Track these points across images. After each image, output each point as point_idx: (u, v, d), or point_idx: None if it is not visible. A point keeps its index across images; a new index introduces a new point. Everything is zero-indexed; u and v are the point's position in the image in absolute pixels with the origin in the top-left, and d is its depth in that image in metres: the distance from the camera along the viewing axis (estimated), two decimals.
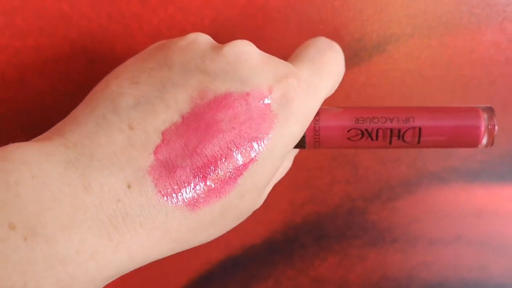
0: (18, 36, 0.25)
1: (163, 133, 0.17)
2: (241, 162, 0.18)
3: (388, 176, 0.30)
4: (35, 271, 0.14)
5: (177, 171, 0.17)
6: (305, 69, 0.21)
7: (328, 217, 0.30)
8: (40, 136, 0.18)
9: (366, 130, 0.21)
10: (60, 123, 0.19)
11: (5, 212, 0.14)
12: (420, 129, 0.21)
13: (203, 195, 0.18)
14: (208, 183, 0.18)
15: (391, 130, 0.21)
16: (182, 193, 0.17)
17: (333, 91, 0.23)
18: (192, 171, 0.18)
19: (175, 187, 0.17)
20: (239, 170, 0.18)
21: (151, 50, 0.20)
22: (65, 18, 0.25)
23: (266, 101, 0.19)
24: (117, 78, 0.19)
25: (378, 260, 0.31)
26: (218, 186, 0.18)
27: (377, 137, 0.21)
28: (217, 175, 0.18)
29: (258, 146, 0.19)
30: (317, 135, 0.22)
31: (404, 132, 0.21)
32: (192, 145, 0.18)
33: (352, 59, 0.28)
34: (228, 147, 0.18)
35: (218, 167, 0.18)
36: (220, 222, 0.19)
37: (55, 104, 0.26)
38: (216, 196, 0.18)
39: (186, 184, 0.17)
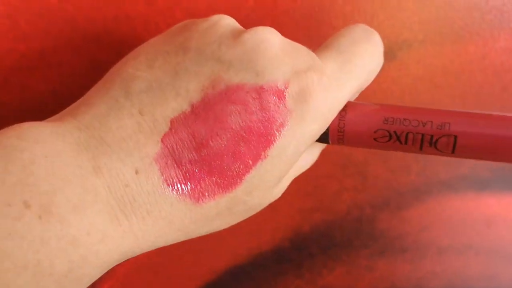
0: (22, 39, 0.24)
1: (171, 121, 0.17)
2: (249, 159, 0.18)
3: (397, 184, 0.29)
4: (48, 250, 0.14)
5: (183, 162, 0.17)
6: (331, 62, 0.19)
7: (337, 226, 0.30)
8: (54, 116, 0.18)
9: (395, 132, 0.19)
10: (75, 103, 0.19)
11: (20, 191, 0.15)
12: (455, 137, 0.19)
13: (208, 189, 0.17)
14: (213, 177, 0.17)
15: (423, 135, 0.19)
16: (187, 184, 0.17)
17: (366, 85, 0.21)
18: (198, 163, 0.17)
19: (181, 178, 0.17)
20: (247, 167, 0.18)
21: (173, 31, 0.20)
22: (69, 21, 0.24)
23: (281, 96, 0.18)
24: (135, 58, 0.19)
25: (386, 270, 0.31)
26: (224, 182, 0.18)
27: (406, 141, 0.19)
28: (223, 170, 0.17)
29: (269, 143, 0.18)
30: (341, 131, 0.20)
31: (437, 139, 0.19)
32: (199, 137, 0.17)
33: None
34: (236, 142, 0.17)
35: (225, 162, 0.17)
36: (227, 216, 0.19)
37: (58, 108, 0.26)
38: (222, 191, 0.18)
39: (191, 176, 0.17)
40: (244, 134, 0.17)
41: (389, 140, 0.20)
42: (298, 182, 0.27)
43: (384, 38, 0.27)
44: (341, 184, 0.29)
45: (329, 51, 0.20)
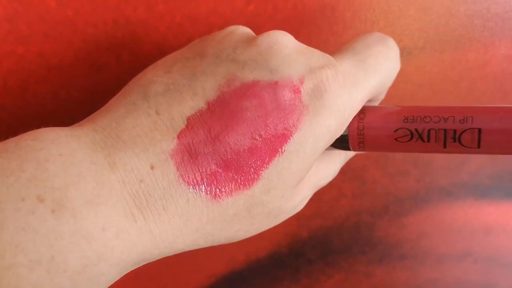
0: (22, 42, 0.24)
1: (188, 119, 0.17)
2: (265, 154, 0.17)
3: (397, 190, 0.29)
4: (62, 245, 0.14)
5: (199, 157, 0.17)
6: (346, 60, 0.19)
7: (335, 232, 0.30)
8: (74, 125, 0.18)
9: (416, 130, 0.19)
10: (95, 112, 0.19)
11: (34, 186, 0.15)
12: (480, 131, 0.18)
13: (225, 184, 0.17)
14: (230, 172, 0.17)
15: (445, 131, 0.18)
16: (203, 180, 0.17)
17: (383, 90, 0.21)
18: (214, 158, 0.17)
19: (197, 173, 0.17)
20: (264, 162, 0.17)
21: (193, 44, 0.21)
22: (69, 24, 0.24)
23: (297, 91, 0.18)
24: (154, 68, 0.19)
25: (385, 277, 0.30)
26: (241, 178, 0.17)
27: (429, 138, 0.19)
28: (239, 165, 0.17)
29: (285, 138, 0.18)
30: (361, 134, 0.20)
31: (461, 133, 0.18)
32: (215, 132, 0.17)
33: None
34: (252, 137, 0.17)
35: (241, 157, 0.17)
36: (246, 219, 0.18)
37: (58, 111, 0.26)
38: (239, 188, 0.17)
39: (207, 172, 0.17)
40: (260, 129, 0.17)
41: (411, 139, 0.19)
42: None
43: None
44: (340, 190, 0.29)
45: (343, 53, 0.20)
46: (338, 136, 0.19)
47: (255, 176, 0.17)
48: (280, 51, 0.18)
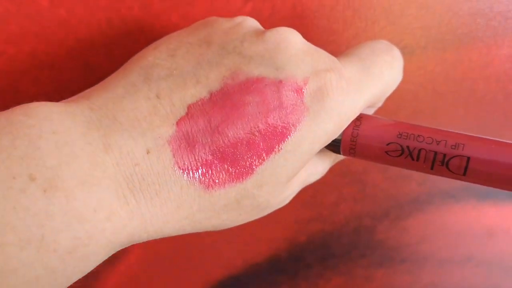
0: (13, 41, 0.23)
1: (188, 107, 0.17)
2: (262, 151, 0.18)
3: (397, 194, 0.29)
4: (52, 225, 0.14)
5: (196, 146, 0.17)
6: (350, 66, 0.19)
7: (334, 236, 0.29)
8: (67, 99, 0.18)
9: (408, 147, 0.19)
10: (90, 88, 0.19)
11: (26, 164, 0.14)
12: (468, 159, 0.19)
13: (219, 176, 0.17)
14: (225, 164, 0.17)
15: (436, 153, 0.19)
16: (198, 169, 0.17)
17: (382, 98, 0.21)
18: (211, 149, 0.17)
19: (192, 162, 0.17)
20: (260, 158, 0.18)
21: (196, 26, 0.20)
22: (62, 23, 0.24)
23: (300, 92, 0.18)
24: (155, 48, 0.19)
25: (385, 281, 0.30)
26: (236, 171, 0.18)
27: (418, 157, 0.19)
28: (235, 159, 0.17)
29: (284, 136, 0.18)
30: (353, 141, 0.20)
31: (450, 159, 0.19)
32: (215, 123, 0.17)
33: None
34: (251, 132, 0.18)
35: (238, 151, 0.17)
36: (235, 209, 0.18)
37: None
38: (232, 181, 0.18)
39: (203, 161, 0.17)
40: (260, 125, 0.18)
41: (401, 154, 0.19)
42: None
43: None
44: (340, 193, 0.29)
45: (349, 57, 0.20)
46: (333, 138, 0.19)
47: (250, 171, 0.18)
48: (287, 50, 0.18)
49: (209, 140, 0.17)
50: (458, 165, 0.19)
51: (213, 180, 0.17)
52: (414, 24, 0.26)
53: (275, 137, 0.18)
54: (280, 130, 0.18)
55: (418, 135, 0.19)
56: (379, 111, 0.26)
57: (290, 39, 0.19)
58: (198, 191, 0.17)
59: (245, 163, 0.18)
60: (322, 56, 0.19)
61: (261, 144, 0.18)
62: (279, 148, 0.18)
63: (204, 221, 0.18)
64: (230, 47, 0.19)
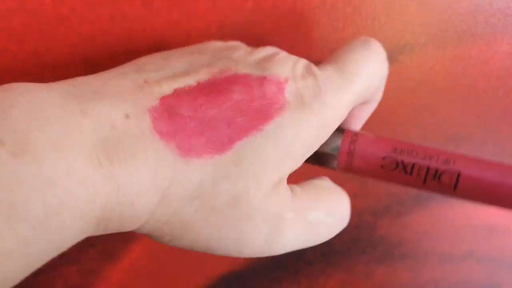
0: (16, 40, 0.24)
1: (175, 89, 0.18)
2: (244, 128, 0.18)
3: (398, 190, 0.29)
4: (22, 191, 0.14)
5: (176, 117, 0.17)
6: (328, 69, 0.20)
7: None
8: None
9: (402, 162, 0.20)
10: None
11: None
12: (459, 175, 0.20)
13: (197, 145, 0.17)
14: (204, 137, 0.17)
15: (428, 168, 0.20)
16: (176, 135, 0.17)
17: (371, 92, 0.21)
18: (191, 121, 0.17)
19: (171, 128, 0.17)
20: (240, 134, 0.18)
21: (190, 46, 0.21)
22: (64, 21, 0.24)
23: (281, 88, 0.19)
24: (150, 56, 0.20)
25: (386, 277, 0.30)
26: (215, 142, 0.17)
27: (411, 171, 0.20)
28: (215, 132, 0.17)
29: (266, 118, 0.18)
30: (350, 155, 0.21)
31: (442, 173, 0.20)
32: (199, 102, 0.18)
33: None
34: (234, 113, 0.18)
35: (219, 126, 0.18)
36: (209, 198, 0.18)
37: None
38: (210, 151, 0.17)
39: (182, 129, 0.17)
40: (243, 110, 0.18)
41: (396, 168, 0.21)
42: None
43: (385, 41, 0.26)
44: None
45: (327, 62, 0.21)
46: (319, 144, 0.20)
47: (228, 145, 0.17)
48: (274, 57, 0.20)
49: (191, 114, 0.17)
50: (449, 180, 0.20)
51: (190, 147, 0.17)
52: (414, 22, 0.26)
53: (257, 118, 0.18)
54: (263, 115, 0.18)
55: (412, 150, 0.21)
56: (380, 110, 0.26)
57: (278, 52, 0.20)
58: (174, 158, 0.17)
59: (225, 136, 0.17)
60: (300, 62, 0.20)
61: (243, 124, 0.18)
62: (261, 128, 0.18)
63: (178, 194, 0.17)
64: (222, 55, 0.20)
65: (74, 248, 0.27)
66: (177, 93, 0.18)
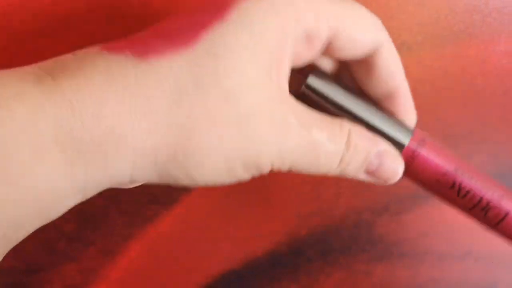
0: (16, 38, 0.24)
1: None
2: (205, 20, 0.16)
3: (397, 188, 0.29)
4: None
5: (128, 36, 0.17)
6: None
7: (334, 230, 0.29)
8: None
9: (460, 184, 0.20)
10: None
11: None
12: (506, 214, 0.20)
13: (155, 45, 0.16)
14: (162, 38, 0.16)
15: (481, 199, 0.20)
16: (128, 45, 0.16)
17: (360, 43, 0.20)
18: (146, 33, 0.17)
19: (122, 43, 0.16)
20: (203, 26, 0.16)
21: None
22: (64, 20, 0.24)
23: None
24: None
25: (385, 276, 0.30)
26: (176, 38, 0.16)
27: (464, 196, 0.20)
28: (175, 33, 0.16)
29: (228, 9, 0.16)
30: (411, 157, 0.20)
31: (491, 208, 0.20)
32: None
33: None
34: (189, 13, 0.17)
35: (179, 26, 0.16)
36: (196, 94, 0.16)
37: None
38: (174, 47, 0.16)
39: (134, 39, 0.16)
40: (204, 6, 0.17)
41: (451, 188, 0.20)
42: (296, 186, 0.26)
43: None
44: (339, 188, 0.29)
45: None
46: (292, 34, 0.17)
47: (193, 38, 0.16)
48: None
49: (144, 31, 0.17)
50: (495, 215, 0.20)
51: (148, 48, 0.16)
52: (412, 21, 0.26)
53: (219, 11, 0.16)
54: (223, 7, 0.17)
55: (472, 177, 0.20)
56: None
57: None
58: (131, 60, 0.15)
59: (186, 32, 0.16)
60: None
61: (205, 17, 0.16)
62: (225, 18, 0.16)
63: (154, 108, 0.15)
64: None
65: (74, 247, 0.27)
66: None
